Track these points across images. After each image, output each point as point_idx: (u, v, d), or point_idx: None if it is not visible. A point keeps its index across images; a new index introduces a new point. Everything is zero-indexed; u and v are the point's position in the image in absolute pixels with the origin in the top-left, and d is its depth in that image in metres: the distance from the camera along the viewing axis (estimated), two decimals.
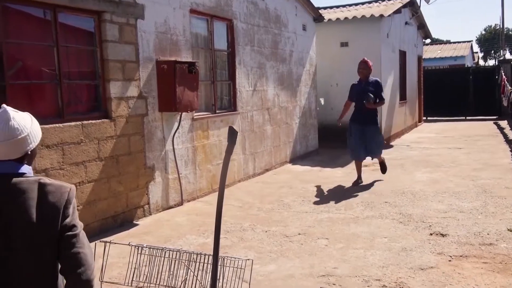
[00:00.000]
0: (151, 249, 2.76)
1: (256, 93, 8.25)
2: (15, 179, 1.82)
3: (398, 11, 12.11)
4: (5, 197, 1.80)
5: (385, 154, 10.44)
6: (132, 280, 2.84)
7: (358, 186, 7.21)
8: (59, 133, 4.58)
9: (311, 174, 8.48)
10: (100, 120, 5.07)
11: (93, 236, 4.93)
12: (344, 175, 8.23)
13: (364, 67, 7.41)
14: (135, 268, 2.84)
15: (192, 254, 2.59)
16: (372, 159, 7.83)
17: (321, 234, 4.94)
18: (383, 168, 7.80)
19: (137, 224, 5.48)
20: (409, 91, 15.20)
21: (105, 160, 5.12)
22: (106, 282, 2.64)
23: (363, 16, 11.21)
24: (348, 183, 7.43)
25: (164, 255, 2.73)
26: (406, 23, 14.11)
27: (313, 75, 10.80)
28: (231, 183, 7.46)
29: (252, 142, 8.07)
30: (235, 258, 2.64)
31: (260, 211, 5.95)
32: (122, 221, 5.39)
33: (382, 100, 7.48)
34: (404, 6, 12.77)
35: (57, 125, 4.57)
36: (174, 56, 6.11)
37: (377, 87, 7.35)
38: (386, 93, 11.92)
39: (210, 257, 2.58)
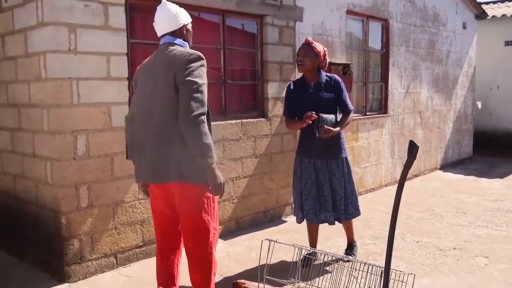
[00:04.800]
0: (313, 252, 2.82)
1: (409, 95, 7.92)
2: (174, 46, 2.78)
3: None
4: (163, 56, 2.73)
5: None
6: (291, 279, 2.95)
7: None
8: (221, 130, 4.91)
9: (464, 183, 7.91)
10: (257, 119, 5.32)
11: (245, 228, 5.23)
12: (503, 187, 7.53)
13: (306, 53, 4.00)
14: (296, 268, 2.94)
15: (355, 263, 2.60)
16: (332, 222, 4.23)
17: (480, 251, 4.59)
18: (349, 247, 4.41)
19: (285, 221, 5.64)
20: None
21: (259, 158, 5.36)
22: (269, 277, 2.79)
23: None
24: (509, 197, 6.77)
25: (326, 258, 2.78)
26: None
27: (471, 77, 10.04)
28: (377, 187, 7.29)
29: (402, 146, 7.78)
30: (399, 271, 2.59)
31: (409, 219, 5.72)
32: (272, 216, 5.59)
33: (347, 113, 4.09)
34: None
35: (220, 122, 4.89)
36: (329, 57, 6.12)
37: (337, 90, 4.06)
38: None
39: (374, 268, 2.56)
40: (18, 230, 4.37)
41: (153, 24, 2.92)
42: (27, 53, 3.98)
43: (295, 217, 4.41)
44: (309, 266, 3.64)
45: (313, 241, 4.37)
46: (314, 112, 3.87)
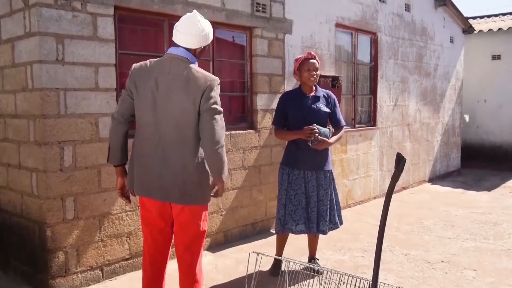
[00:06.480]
0: (302, 265, 2.81)
1: (397, 108, 7.98)
2: (189, 64, 2.71)
3: None
4: (179, 71, 2.68)
5: None
6: None
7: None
8: None
9: (452, 196, 7.95)
10: (246, 131, 5.31)
11: (233, 241, 5.19)
12: (491, 200, 7.57)
13: (315, 67, 4.16)
14: (284, 279, 2.91)
15: (344, 276, 2.59)
16: (313, 233, 4.23)
17: (468, 264, 4.60)
18: (312, 259, 4.44)
19: (273, 233, 5.60)
20: None
21: (248, 169, 5.34)
22: None
23: None
24: (496, 210, 6.81)
25: (314, 272, 2.76)
26: None
27: (459, 90, 10.15)
28: (366, 199, 7.30)
29: (390, 158, 7.81)
30: (388, 284, 2.58)
31: (398, 231, 5.73)
32: (260, 229, 5.56)
33: (340, 128, 4.27)
34: None
35: None
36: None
37: (333, 105, 4.23)
38: None
39: (361, 281, 2.55)
40: (2, 242, 4.29)
41: (174, 29, 2.79)
42: (14, 63, 3.94)
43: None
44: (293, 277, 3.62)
45: (280, 250, 4.37)
46: (315, 124, 3.95)
